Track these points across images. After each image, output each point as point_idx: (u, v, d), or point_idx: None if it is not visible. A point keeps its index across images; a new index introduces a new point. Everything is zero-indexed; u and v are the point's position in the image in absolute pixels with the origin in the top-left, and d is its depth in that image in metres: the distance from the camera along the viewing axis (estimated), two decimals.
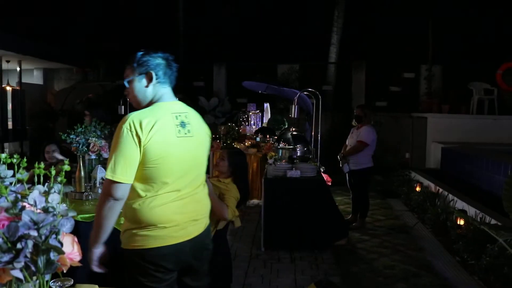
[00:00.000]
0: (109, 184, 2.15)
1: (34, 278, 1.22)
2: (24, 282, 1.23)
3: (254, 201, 7.87)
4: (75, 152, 4.07)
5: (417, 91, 12.47)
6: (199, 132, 2.50)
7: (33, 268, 1.17)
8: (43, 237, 1.16)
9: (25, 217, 1.14)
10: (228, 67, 13.28)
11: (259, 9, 17.95)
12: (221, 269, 4.05)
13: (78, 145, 4.02)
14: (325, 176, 5.97)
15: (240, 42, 17.52)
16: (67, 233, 1.23)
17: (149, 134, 2.17)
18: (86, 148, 4.04)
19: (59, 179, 1.24)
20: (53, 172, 1.25)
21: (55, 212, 1.20)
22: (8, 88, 12.60)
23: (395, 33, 15.64)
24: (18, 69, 13.17)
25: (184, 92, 12.64)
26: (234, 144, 8.27)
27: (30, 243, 1.14)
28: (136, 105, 2.43)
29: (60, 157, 4.72)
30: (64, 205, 1.21)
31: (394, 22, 15.35)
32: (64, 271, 1.36)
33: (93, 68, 13.74)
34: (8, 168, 1.29)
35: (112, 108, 9.07)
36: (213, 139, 8.69)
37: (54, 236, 1.17)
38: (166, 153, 2.24)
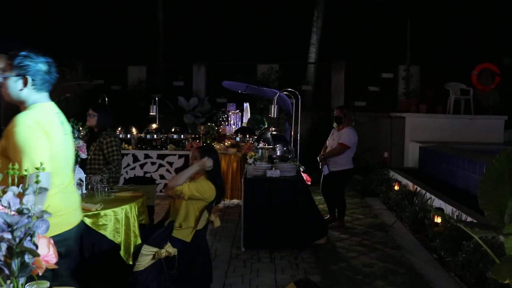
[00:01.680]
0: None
1: (8, 281, 1.20)
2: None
3: (234, 201, 7.87)
4: None
5: (395, 91, 12.62)
6: (69, 130, 2.77)
7: (6, 272, 1.15)
8: (17, 240, 1.14)
9: None
10: (207, 67, 13.25)
11: (239, 9, 17.96)
12: (201, 269, 4.04)
13: None
14: (304, 176, 6.00)
15: (220, 41, 17.49)
16: (42, 235, 1.21)
17: (51, 132, 2.42)
18: None
19: (34, 179, 1.22)
20: (29, 173, 1.23)
21: (30, 214, 1.18)
22: None
23: (374, 33, 15.80)
24: None
25: (163, 91, 12.59)
26: (214, 144, 8.25)
27: (3, 246, 1.12)
28: (8, 101, 2.56)
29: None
30: (40, 206, 1.20)
31: (373, 22, 15.52)
32: (40, 274, 1.34)
33: (70, 67, 13.54)
34: None
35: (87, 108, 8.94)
36: (193, 139, 8.66)
37: (29, 238, 1.16)
38: (58, 149, 2.50)
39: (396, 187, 7.94)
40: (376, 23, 15.85)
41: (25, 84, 2.43)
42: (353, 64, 12.91)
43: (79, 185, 4.04)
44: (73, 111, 11.69)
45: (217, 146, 8.16)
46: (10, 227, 1.13)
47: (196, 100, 12.38)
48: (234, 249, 5.54)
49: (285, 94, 8.20)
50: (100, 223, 3.66)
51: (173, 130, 8.95)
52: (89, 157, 4.68)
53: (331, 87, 12.73)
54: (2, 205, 1.15)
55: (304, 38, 14.48)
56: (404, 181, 8.18)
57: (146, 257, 3.64)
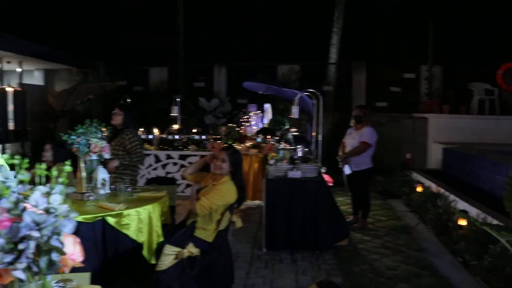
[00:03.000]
0: None
1: (36, 278, 1.22)
2: (26, 282, 1.23)
3: (255, 202, 7.86)
4: (76, 153, 4.06)
5: (417, 91, 12.46)
6: None
7: (35, 269, 1.16)
8: (45, 238, 1.15)
9: (26, 218, 1.13)
10: (228, 68, 13.28)
11: (259, 10, 17.96)
12: (223, 269, 4.05)
13: (79, 146, 4.01)
14: (326, 177, 5.96)
15: (241, 42, 17.51)
16: (68, 234, 1.22)
17: None
18: (87, 149, 4.03)
19: (60, 180, 1.23)
20: (55, 173, 1.24)
21: (56, 213, 1.19)
22: (9, 89, 12.58)
23: (395, 33, 15.64)
24: (18, 70, 13.16)
25: (185, 92, 12.66)
26: (235, 145, 8.26)
27: (32, 244, 1.14)
28: None
29: (50, 157, 4.72)
30: (66, 206, 1.21)
31: (395, 22, 15.35)
32: (66, 272, 1.35)
33: (92, 68, 13.74)
34: (10, 169, 1.29)
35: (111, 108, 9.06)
36: (214, 140, 8.69)
37: (55, 237, 1.17)
38: None
39: (419, 189, 7.84)
40: (397, 22, 15.69)
41: None
42: (374, 65, 12.80)
43: (103, 184, 4.08)
44: (95, 112, 11.85)
45: (238, 147, 8.17)
46: (38, 225, 1.15)
47: (217, 101, 12.42)
48: (256, 249, 5.54)
49: (306, 95, 8.17)
50: (123, 223, 3.69)
51: (194, 130, 9.00)
52: (113, 152, 4.76)
53: (352, 88, 12.63)
54: (30, 204, 1.17)
55: (324, 39, 14.40)
56: (427, 182, 8.06)
57: (169, 257, 3.66)
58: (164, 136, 8.72)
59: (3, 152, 11.84)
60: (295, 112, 6.72)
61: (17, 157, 1.27)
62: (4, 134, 12.16)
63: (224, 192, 3.92)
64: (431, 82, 12.05)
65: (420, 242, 5.83)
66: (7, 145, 12.28)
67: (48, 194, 1.19)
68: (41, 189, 1.20)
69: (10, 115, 12.53)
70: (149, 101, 12.65)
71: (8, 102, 12.47)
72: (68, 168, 1.27)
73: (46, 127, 12.92)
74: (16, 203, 1.17)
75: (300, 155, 6.25)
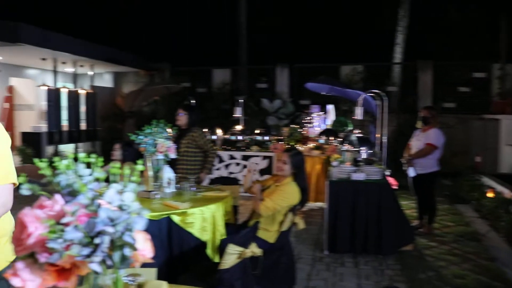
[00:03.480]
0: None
1: (110, 271, 1.27)
2: (101, 275, 1.29)
3: (318, 204, 7.80)
4: (143, 152, 4.21)
5: (488, 91, 11.90)
6: None
7: (109, 263, 1.22)
8: (118, 234, 1.20)
9: (102, 214, 1.18)
10: (291, 69, 13.28)
11: (322, 10, 17.81)
12: (285, 270, 4.05)
13: (146, 145, 4.15)
14: (390, 180, 5.81)
15: (303, 43, 17.44)
16: (140, 230, 1.27)
17: None
18: (153, 149, 4.17)
19: (132, 178, 1.28)
20: (127, 172, 1.29)
21: (129, 210, 1.24)
22: (82, 91, 13.26)
23: (463, 30, 15.00)
24: (90, 73, 13.82)
25: (247, 93, 12.78)
26: (298, 146, 8.24)
27: (106, 239, 1.19)
28: None
29: (119, 156, 4.91)
30: (138, 203, 1.26)
31: (463, 19, 14.72)
32: (136, 267, 1.40)
33: (158, 71, 14.18)
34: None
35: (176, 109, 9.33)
36: (277, 141, 8.71)
37: (128, 233, 1.22)
38: None
39: (490, 194, 7.46)
40: (465, 19, 15.05)
41: None
42: (441, 64, 12.35)
43: (168, 183, 4.20)
44: (161, 113, 12.22)
45: (300, 148, 8.14)
46: (112, 221, 1.20)
47: (279, 102, 12.45)
48: (317, 252, 5.50)
49: (370, 95, 8.01)
50: (188, 221, 3.77)
51: (257, 131, 9.07)
52: (181, 151, 4.93)
53: (417, 88, 12.26)
54: (105, 201, 1.22)
55: (389, 38, 14.07)
56: (499, 187, 7.67)
57: (232, 256, 3.71)
58: (227, 136, 8.85)
59: (76, 151, 12.48)
60: (358, 113, 6.61)
61: (93, 155, 1.33)
62: (77, 134, 12.82)
63: (288, 193, 3.93)
64: (504, 81, 11.45)
65: (491, 251, 5.55)
66: (80, 144, 12.93)
67: (121, 192, 1.24)
68: (116, 186, 1.25)
69: (82, 116, 13.21)
70: (212, 102, 12.89)
71: (81, 103, 13.16)
72: (140, 167, 1.32)
73: (114, 127, 13.49)
74: (93, 199, 1.23)
75: (364, 157, 6.13)
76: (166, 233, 3.78)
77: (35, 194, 1.30)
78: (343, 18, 18.01)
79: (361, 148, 6.28)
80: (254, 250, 3.76)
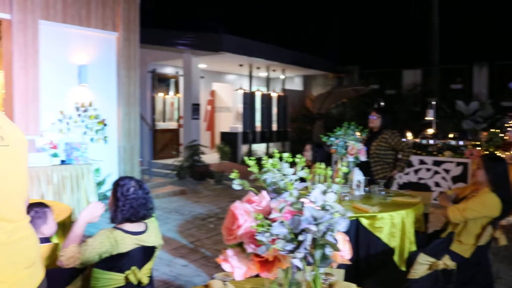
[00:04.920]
0: None
1: (310, 269, 1.33)
2: (299, 271, 1.36)
3: None
4: (334, 154, 4.28)
5: None
6: (14, 138, 1.61)
7: (310, 260, 1.27)
8: (320, 233, 1.25)
9: (306, 213, 1.24)
10: (490, 67, 12.10)
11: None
12: None
13: (337, 147, 4.21)
14: None
15: (505, 39, 15.74)
16: (341, 231, 1.30)
17: None
18: (344, 151, 4.20)
19: (337, 179, 1.32)
20: (330, 173, 1.33)
21: (332, 211, 1.27)
22: (274, 94, 14.05)
23: None
24: (282, 77, 14.55)
25: (439, 95, 12.04)
26: (498, 153, 7.47)
27: (309, 237, 1.24)
28: None
29: (310, 157, 5.03)
30: (340, 205, 1.28)
31: None
32: (333, 267, 1.44)
33: (347, 73, 14.24)
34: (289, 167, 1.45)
35: (364, 111, 9.28)
36: (473, 146, 8.03)
37: (330, 233, 1.25)
38: None
39: None
40: None
41: None
42: None
43: (358, 186, 4.19)
44: (348, 115, 12.25)
45: (501, 154, 7.36)
46: (315, 220, 1.25)
47: (476, 104, 11.45)
48: None
49: None
50: (377, 226, 3.71)
51: (450, 136, 8.49)
52: (371, 153, 4.93)
53: None
54: (309, 200, 1.28)
55: None
56: None
57: (422, 266, 3.53)
58: (417, 140, 8.47)
59: (267, 151, 13.26)
60: None
61: (298, 156, 1.40)
62: (269, 134, 13.64)
63: (483, 202, 3.57)
64: None
65: None
66: (271, 144, 13.72)
67: (325, 192, 1.29)
68: (320, 187, 1.30)
69: (274, 117, 14.00)
70: (402, 104, 12.46)
71: (273, 105, 13.96)
72: (344, 169, 1.35)
73: (303, 129, 13.97)
74: (298, 198, 1.30)
75: None
76: (353, 236, 3.77)
77: (245, 189, 1.43)
78: None
79: None
80: (447, 262, 3.52)
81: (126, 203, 2.58)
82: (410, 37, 17.05)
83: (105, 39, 7.71)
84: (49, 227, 2.84)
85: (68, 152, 6.38)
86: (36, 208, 2.83)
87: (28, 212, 2.74)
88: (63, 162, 6.29)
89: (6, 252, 1.48)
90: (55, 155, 6.20)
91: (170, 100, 12.91)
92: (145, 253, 2.63)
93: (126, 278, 2.53)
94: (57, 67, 7.05)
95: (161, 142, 12.00)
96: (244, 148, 12.85)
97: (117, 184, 2.66)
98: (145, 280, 2.59)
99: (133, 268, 2.54)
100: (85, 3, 7.36)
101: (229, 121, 14.49)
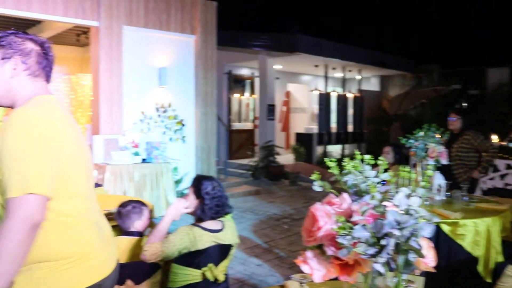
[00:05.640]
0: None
1: (392, 275, 1.28)
2: (381, 276, 1.32)
3: None
4: (413, 157, 4.12)
5: None
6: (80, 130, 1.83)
7: (393, 266, 1.23)
8: (404, 238, 1.21)
9: (390, 217, 1.20)
10: None
11: None
12: None
13: (416, 149, 4.06)
14: None
15: None
16: (425, 237, 1.25)
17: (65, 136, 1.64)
18: (424, 153, 4.04)
19: (422, 183, 1.27)
20: (414, 176, 1.29)
21: (416, 215, 1.22)
22: (349, 95, 13.85)
23: None
24: (358, 77, 14.29)
25: None
26: None
27: (392, 242, 1.20)
28: None
29: (391, 159, 4.86)
30: (425, 210, 1.23)
31: None
32: (417, 275, 1.39)
33: (426, 73, 13.72)
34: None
35: (444, 113, 8.88)
36: None
37: (414, 238, 1.21)
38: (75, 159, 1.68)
39: None
40: None
41: (16, 68, 1.68)
42: None
43: (438, 190, 4.02)
44: (427, 116, 11.79)
45: None
46: (399, 225, 1.21)
47: None
48: None
49: None
50: (458, 233, 3.54)
51: None
52: (452, 156, 4.76)
53: None
54: (392, 204, 1.24)
55: None
56: None
57: (511, 279, 3.32)
58: (504, 143, 7.98)
59: (343, 152, 13.08)
60: None
61: (381, 158, 1.36)
62: (344, 135, 13.46)
63: None
64: None
65: None
66: (346, 146, 13.52)
67: (408, 196, 1.24)
68: (405, 190, 1.26)
69: (349, 118, 13.80)
70: (487, 105, 11.80)
71: (348, 106, 13.77)
72: (430, 172, 1.30)
73: (380, 130, 13.64)
74: (381, 201, 1.26)
75: None
76: (434, 242, 3.61)
77: (325, 191, 1.42)
78: None
79: None
80: None
81: (212, 201, 2.66)
82: (496, 33, 16.11)
83: (183, 42, 7.97)
84: (142, 223, 2.99)
85: (148, 151, 6.65)
86: (134, 204, 3.02)
87: (126, 206, 2.94)
88: (143, 160, 6.58)
89: (99, 230, 1.72)
90: (136, 154, 6.49)
91: (245, 101, 13.09)
92: (221, 251, 2.68)
93: (203, 275, 2.60)
94: (138, 70, 7.38)
95: (237, 142, 12.20)
96: (319, 149, 12.75)
97: (199, 184, 2.74)
98: (221, 277, 2.64)
99: (210, 265, 2.60)
100: (165, 8, 7.65)
101: (304, 122, 14.45)
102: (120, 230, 3.07)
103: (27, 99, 1.66)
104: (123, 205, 3.02)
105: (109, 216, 3.20)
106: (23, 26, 8.84)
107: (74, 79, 9.70)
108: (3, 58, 1.66)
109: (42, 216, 1.50)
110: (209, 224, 2.67)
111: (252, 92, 13.09)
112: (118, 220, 2.99)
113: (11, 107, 1.70)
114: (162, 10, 7.61)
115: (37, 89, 1.71)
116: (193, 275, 2.60)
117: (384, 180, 1.36)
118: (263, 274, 4.64)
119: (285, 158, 11.83)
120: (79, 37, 9.07)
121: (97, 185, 5.22)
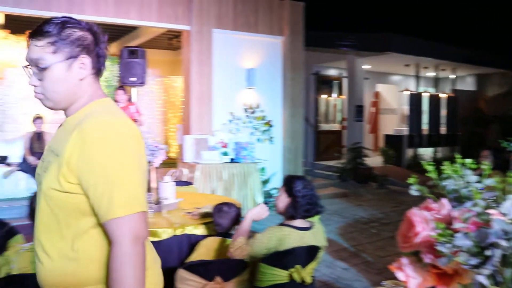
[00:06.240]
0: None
1: None
2: None
3: None
4: None
5: None
6: None
7: (498, 279, 1.14)
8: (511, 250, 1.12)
9: (496, 226, 1.12)
10: None
11: None
12: None
13: None
14: None
15: None
16: None
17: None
18: None
19: None
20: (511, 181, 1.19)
21: None
22: (443, 95, 13.20)
23: None
24: (452, 76, 13.59)
25: None
26: None
27: (498, 252, 1.12)
28: (52, 107, 1.50)
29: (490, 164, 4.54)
30: None
31: None
32: None
33: None
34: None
35: None
36: None
37: None
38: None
39: None
40: None
41: (85, 67, 1.48)
42: None
43: None
44: None
45: None
46: (506, 235, 1.12)
47: None
48: None
49: None
50: None
51: None
52: None
53: None
54: (499, 212, 1.16)
55: None
56: None
57: None
58: None
59: (434, 155, 12.49)
60: None
61: (485, 162, 1.28)
62: (437, 138, 12.84)
63: None
64: None
65: None
66: (438, 149, 12.90)
67: None
68: None
69: (442, 120, 13.15)
70: None
71: (441, 107, 13.12)
72: None
73: (475, 132, 12.87)
74: (485, 208, 1.18)
75: None
76: None
77: (423, 196, 1.35)
78: None
79: None
80: None
81: (303, 200, 2.67)
82: None
83: (271, 43, 8.03)
84: (228, 223, 3.07)
85: (237, 151, 6.79)
86: (229, 205, 3.12)
87: (221, 206, 3.06)
88: (232, 160, 6.72)
89: (149, 243, 1.57)
90: (225, 154, 6.65)
91: (333, 102, 12.94)
92: (309, 253, 2.66)
93: (290, 276, 2.59)
94: (227, 72, 7.55)
95: (324, 143, 12.09)
96: (409, 152, 12.28)
97: (290, 183, 2.75)
98: (309, 280, 2.62)
99: (297, 266, 2.59)
100: (253, 11, 7.76)
101: (393, 123, 13.98)
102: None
103: (86, 102, 1.49)
104: (221, 206, 3.10)
105: (202, 214, 3.30)
106: (121, 33, 9.40)
107: (166, 81, 10.15)
108: (70, 57, 1.43)
109: (148, 232, 1.44)
110: (299, 222, 2.67)
111: (340, 92, 12.90)
112: (218, 219, 3.06)
113: (62, 109, 1.51)
114: (250, 12, 7.73)
115: (97, 90, 1.53)
116: (280, 275, 2.60)
117: (482, 187, 1.27)
118: (349, 279, 4.55)
119: (373, 160, 11.53)
120: (171, 41, 9.48)
121: (188, 183, 5.40)
